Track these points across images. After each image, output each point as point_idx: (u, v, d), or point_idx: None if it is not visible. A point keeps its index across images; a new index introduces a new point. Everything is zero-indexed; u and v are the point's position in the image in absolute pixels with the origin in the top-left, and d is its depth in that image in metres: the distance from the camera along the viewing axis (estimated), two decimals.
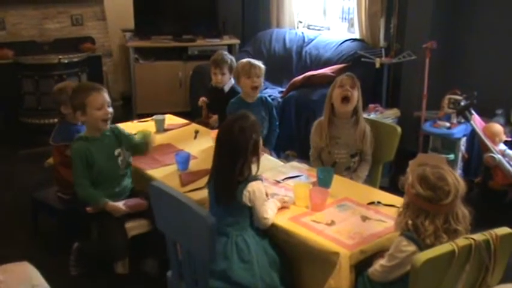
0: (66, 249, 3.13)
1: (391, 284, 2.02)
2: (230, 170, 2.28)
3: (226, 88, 3.99)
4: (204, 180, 2.62)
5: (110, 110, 2.92)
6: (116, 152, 2.98)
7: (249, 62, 3.56)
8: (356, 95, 3.03)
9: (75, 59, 5.38)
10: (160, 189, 2.18)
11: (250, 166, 2.33)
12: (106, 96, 2.92)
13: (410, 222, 1.92)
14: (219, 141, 2.35)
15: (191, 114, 5.31)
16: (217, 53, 4.13)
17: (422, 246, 1.88)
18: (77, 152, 2.89)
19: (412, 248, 1.91)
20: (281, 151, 4.50)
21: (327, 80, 4.19)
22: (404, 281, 1.88)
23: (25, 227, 3.59)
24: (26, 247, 3.40)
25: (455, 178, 1.92)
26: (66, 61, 5.27)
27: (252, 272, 2.22)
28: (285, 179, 2.80)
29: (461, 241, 1.79)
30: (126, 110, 6.24)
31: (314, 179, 2.76)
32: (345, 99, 3.02)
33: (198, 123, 3.95)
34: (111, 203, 2.91)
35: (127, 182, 3.07)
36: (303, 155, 4.12)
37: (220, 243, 2.25)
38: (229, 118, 2.44)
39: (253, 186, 2.29)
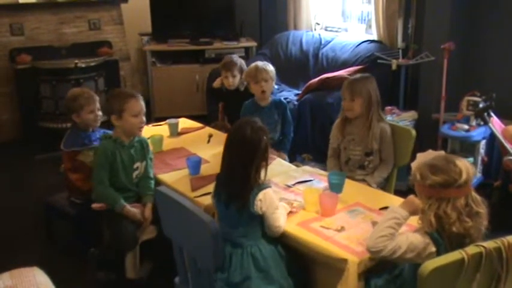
0: (79, 254, 3.13)
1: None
2: (244, 172, 2.23)
3: (242, 87, 4.01)
4: None
5: (145, 118, 2.95)
6: (135, 166, 2.99)
7: (256, 67, 3.56)
8: (356, 105, 3.02)
9: (92, 64, 5.39)
10: (165, 195, 2.16)
11: (261, 170, 2.28)
12: (143, 104, 2.95)
13: (433, 218, 1.89)
14: (230, 144, 2.30)
15: (208, 117, 5.30)
16: (225, 57, 4.18)
17: (441, 250, 1.85)
18: (104, 149, 2.90)
19: (433, 249, 1.88)
20: (297, 154, 4.46)
21: (343, 83, 4.14)
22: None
23: (40, 231, 3.60)
24: (39, 252, 3.42)
25: (461, 159, 1.93)
26: (83, 65, 5.28)
27: (271, 279, 2.20)
28: (296, 183, 2.76)
29: (471, 249, 1.73)
30: None
31: (326, 184, 2.71)
32: (348, 111, 3.07)
33: (214, 127, 3.94)
34: (129, 209, 2.91)
35: (134, 192, 3.05)
36: (318, 158, 4.08)
37: (236, 254, 2.22)
38: (237, 122, 2.39)
39: (264, 194, 2.23)
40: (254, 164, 2.24)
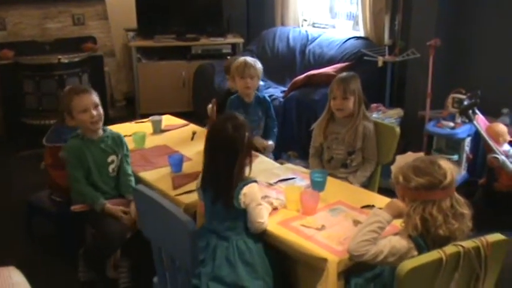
0: (60, 254, 3.09)
1: None
2: (229, 170, 2.22)
3: None
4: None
5: (96, 112, 2.85)
6: (109, 159, 2.93)
7: (244, 62, 3.47)
8: (350, 103, 3.00)
9: (76, 59, 5.31)
10: (143, 194, 2.13)
11: (245, 167, 2.28)
12: (91, 98, 2.85)
13: (418, 222, 1.86)
14: (213, 143, 2.29)
15: (194, 114, 5.26)
16: (229, 59, 4.07)
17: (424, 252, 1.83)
18: (71, 149, 2.86)
19: (415, 253, 1.86)
20: (282, 151, 4.43)
21: (329, 80, 4.05)
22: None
23: (21, 229, 3.55)
24: (19, 251, 3.35)
25: (444, 160, 1.92)
26: (66, 61, 5.21)
27: (256, 274, 2.19)
28: (278, 181, 2.73)
29: (450, 249, 1.71)
30: (130, 110, 6.20)
31: (308, 182, 2.68)
32: (339, 110, 3.03)
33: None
34: (111, 207, 2.84)
35: (111, 187, 2.99)
36: (304, 155, 4.05)
37: (221, 247, 2.21)
38: (217, 121, 2.37)
39: (248, 188, 2.23)
40: (238, 162, 2.23)
